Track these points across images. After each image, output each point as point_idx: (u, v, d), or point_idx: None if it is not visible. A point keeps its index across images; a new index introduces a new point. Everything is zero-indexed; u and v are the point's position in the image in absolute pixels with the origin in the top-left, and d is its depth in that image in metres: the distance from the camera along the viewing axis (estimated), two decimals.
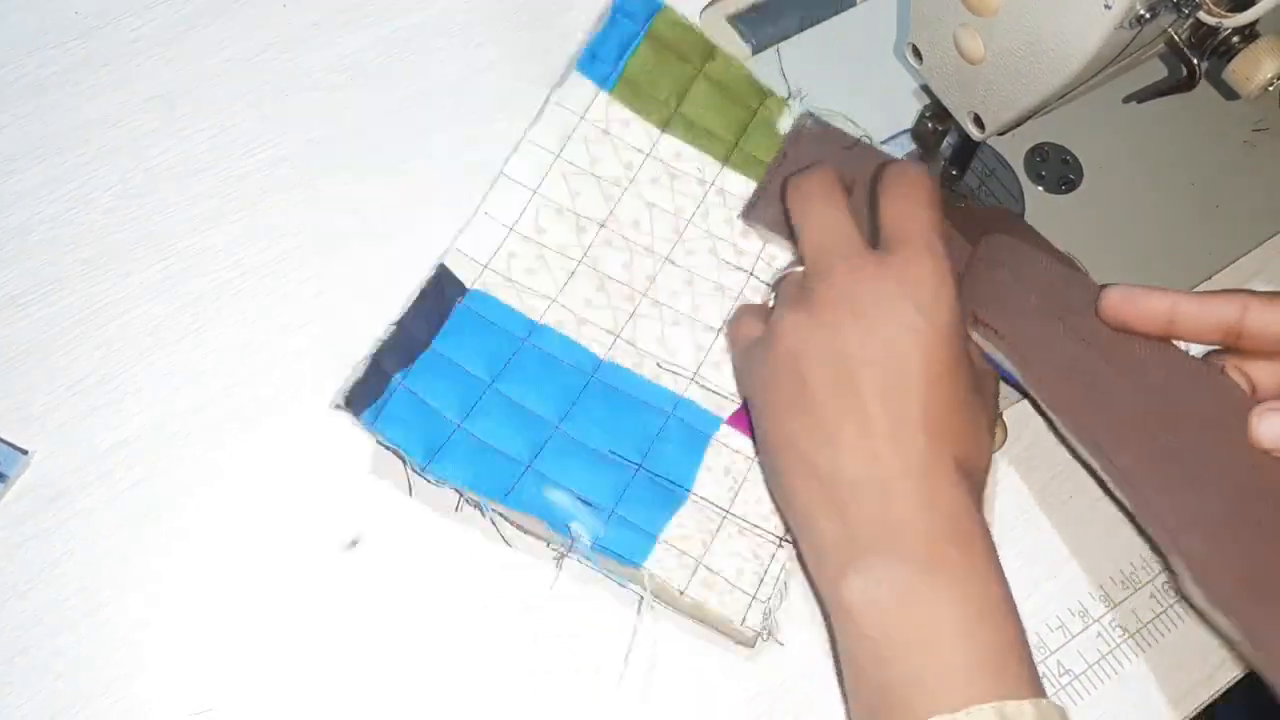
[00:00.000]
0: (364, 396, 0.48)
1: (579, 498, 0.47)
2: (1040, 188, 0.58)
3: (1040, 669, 0.47)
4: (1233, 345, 0.45)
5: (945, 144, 0.55)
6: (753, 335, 0.47)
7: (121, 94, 0.57)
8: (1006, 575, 0.42)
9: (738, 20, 0.61)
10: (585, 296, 0.51)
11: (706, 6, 0.61)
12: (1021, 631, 0.41)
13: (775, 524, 0.48)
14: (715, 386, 0.50)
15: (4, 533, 0.48)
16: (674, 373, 0.50)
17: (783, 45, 0.60)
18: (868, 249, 0.45)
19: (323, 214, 0.55)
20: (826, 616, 0.45)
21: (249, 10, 0.60)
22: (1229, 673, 0.48)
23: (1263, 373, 0.45)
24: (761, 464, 0.48)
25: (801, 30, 0.61)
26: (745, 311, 0.50)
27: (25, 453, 0.49)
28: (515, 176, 0.53)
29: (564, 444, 0.48)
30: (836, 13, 0.61)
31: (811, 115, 0.55)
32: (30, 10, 0.59)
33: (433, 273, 0.51)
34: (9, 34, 0.58)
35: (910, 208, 0.45)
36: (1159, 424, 0.44)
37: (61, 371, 0.51)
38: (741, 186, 0.54)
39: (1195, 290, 0.49)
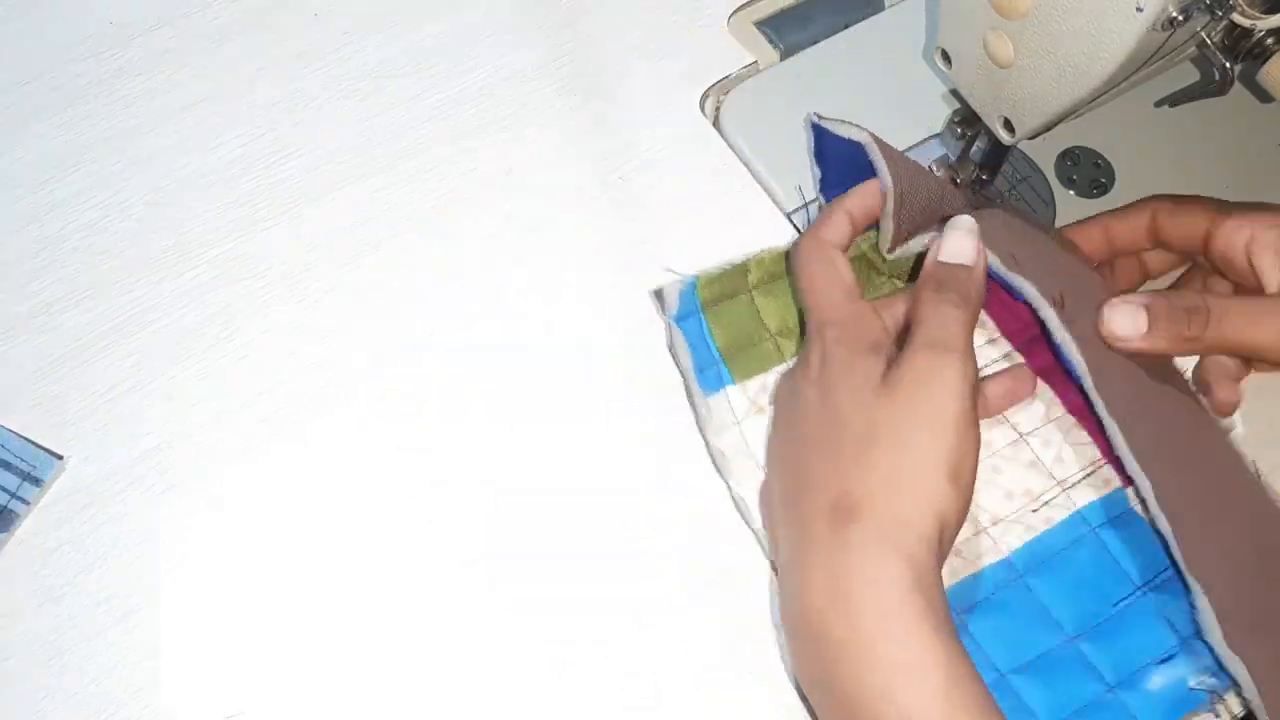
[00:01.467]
0: None
1: None
2: (1071, 192, 0.57)
3: None
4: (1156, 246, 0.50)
5: (975, 148, 0.55)
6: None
7: (155, 103, 0.58)
8: None
9: (765, 26, 0.61)
10: None
11: (734, 12, 0.61)
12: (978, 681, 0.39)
13: None
14: None
15: (39, 537, 0.49)
16: None
17: (811, 50, 0.60)
18: (871, 343, 0.44)
19: (353, 222, 0.55)
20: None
21: (281, 20, 0.60)
22: None
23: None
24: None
25: (830, 35, 0.60)
26: None
27: (60, 458, 0.50)
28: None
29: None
30: (865, 17, 0.61)
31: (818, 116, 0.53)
32: (66, 21, 0.60)
33: None
34: (45, 45, 0.59)
35: (939, 314, 0.44)
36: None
37: (95, 378, 0.52)
38: None
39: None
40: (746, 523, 0.49)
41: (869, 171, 0.49)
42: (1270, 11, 0.40)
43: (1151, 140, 0.58)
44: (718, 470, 0.50)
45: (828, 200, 0.55)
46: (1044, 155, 0.58)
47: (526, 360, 0.52)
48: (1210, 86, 0.45)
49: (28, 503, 0.49)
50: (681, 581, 0.49)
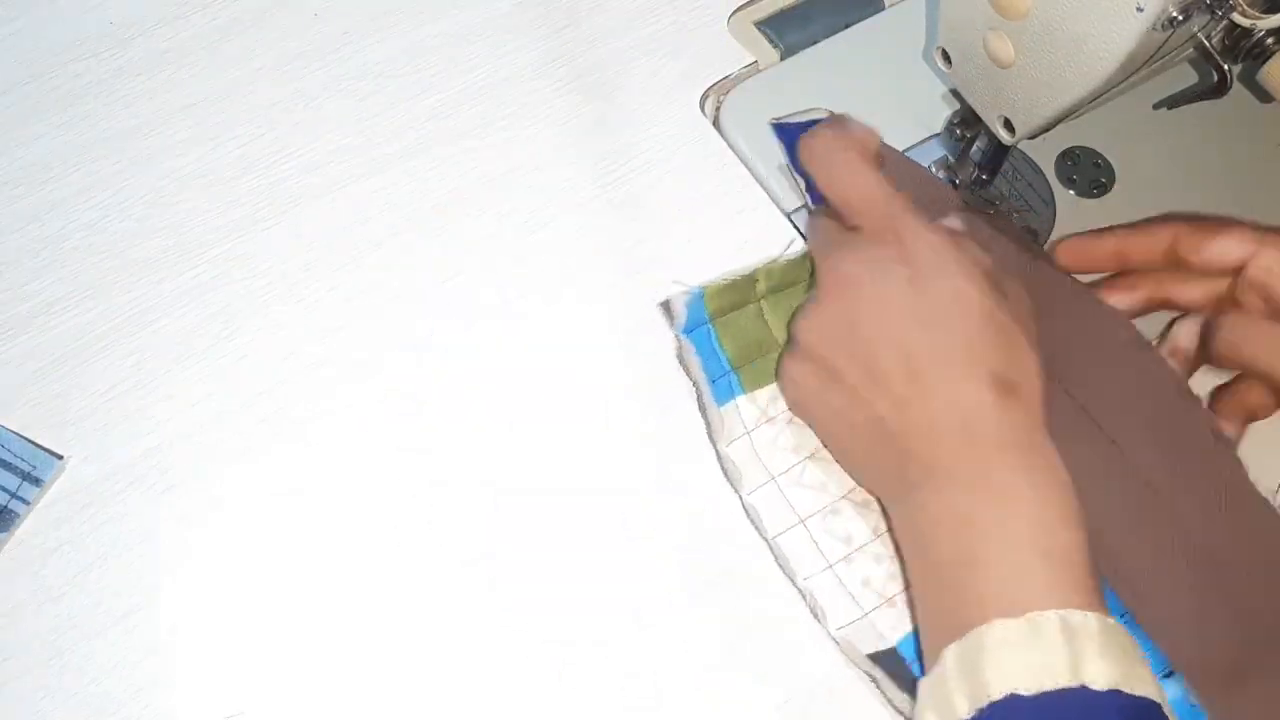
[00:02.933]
0: None
1: None
2: (1071, 192, 0.57)
3: None
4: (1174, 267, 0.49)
5: (975, 148, 0.55)
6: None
7: (155, 103, 0.58)
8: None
9: (765, 26, 0.61)
10: None
11: (734, 12, 0.61)
12: (1085, 541, 0.41)
13: None
14: None
15: (39, 537, 0.49)
16: None
17: (811, 50, 0.60)
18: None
19: (353, 222, 0.55)
20: (897, 548, 0.46)
21: (280, 20, 0.60)
22: None
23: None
24: (820, 432, 0.48)
25: (830, 35, 0.60)
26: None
27: (60, 458, 0.50)
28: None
29: None
30: (865, 17, 0.61)
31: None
32: (66, 21, 0.60)
33: None
34: (45, 44, 0.59)
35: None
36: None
37: (96, 378, 0.52)
38: None
39: None
40: (759, 531, 0.49)
41: None
42: (1270, 11, 0.40)
43: (1152, 140, 0.58)
44: (728, 479, 0.50)
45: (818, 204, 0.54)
46: (1044, 155, 0.58)
47: (526, 360, 0.52)
48: (1209, 88, 0.45)
49: (28, 503, 0.49)
50: (681, 581, 0.49)
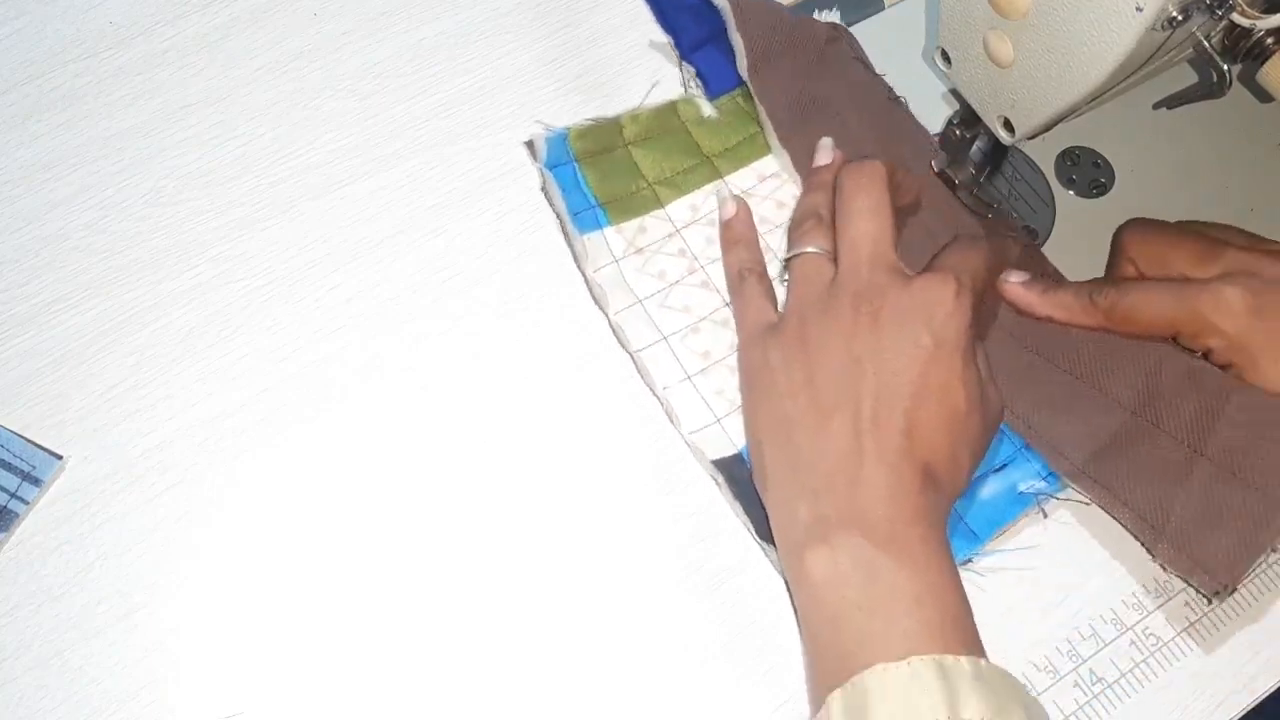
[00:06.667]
0: None
1: None
2: (1071, 192, 0.57)
3: (1072, 677, 0.46)
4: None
5: (975, 148, 0.55)
6: (765, 319, 0.50)
7: (154, 103, 0.58)
8: (1033, 580, 0.46)
9: None
10: None
11: None
12: (968, 609, 0.43)
13: None
14: None
15: (39, 537, 0.49)
16: None
17: None
18: (899, 265, 0.48)
19: (352, 221, 0.55)
20: (790, 593, 0.46)
21: (280, 20, 0.60)
22: (1269, 680, 0.48)
23: None
24: (747, 441, 0.50)
25: None
26: (757, 294, 0.51)
27: (60, 458, 0.50)
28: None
29: None
30: (865, 17, 0.61)
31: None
32: (66, 21, 0.60)
33: None
34: (45, 44, 0.59)
35: (963, 255, 0.49)
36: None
37: (95, 377, 0.52)
38: (748, 180, 0.56)
39: None
40: (623, 346, 0.52)
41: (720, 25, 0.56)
42: (1269, 11, 0.40)
43: (1151, 140, 0.58)
44: (595, 301, 0.53)
45: (691, 62, 0.59)
46: (1044, 155, 0.58)
47: (526, 358, 0.53)
48: (1208, 88, 0.45)
49: (27, 503, 0.49)
50: (679, 582, 0.49)
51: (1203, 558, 0.46)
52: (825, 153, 0.54)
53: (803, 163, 0.55)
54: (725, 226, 0.54)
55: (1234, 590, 0.44)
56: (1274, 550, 0.46)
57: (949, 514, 0.46)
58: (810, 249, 0.49)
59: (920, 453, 0.44)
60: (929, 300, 0.46)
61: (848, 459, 0.44)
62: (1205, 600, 0.48)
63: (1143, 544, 0.48)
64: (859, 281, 0.47)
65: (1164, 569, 0.48)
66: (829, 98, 0.57)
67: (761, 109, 0.56)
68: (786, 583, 0.47)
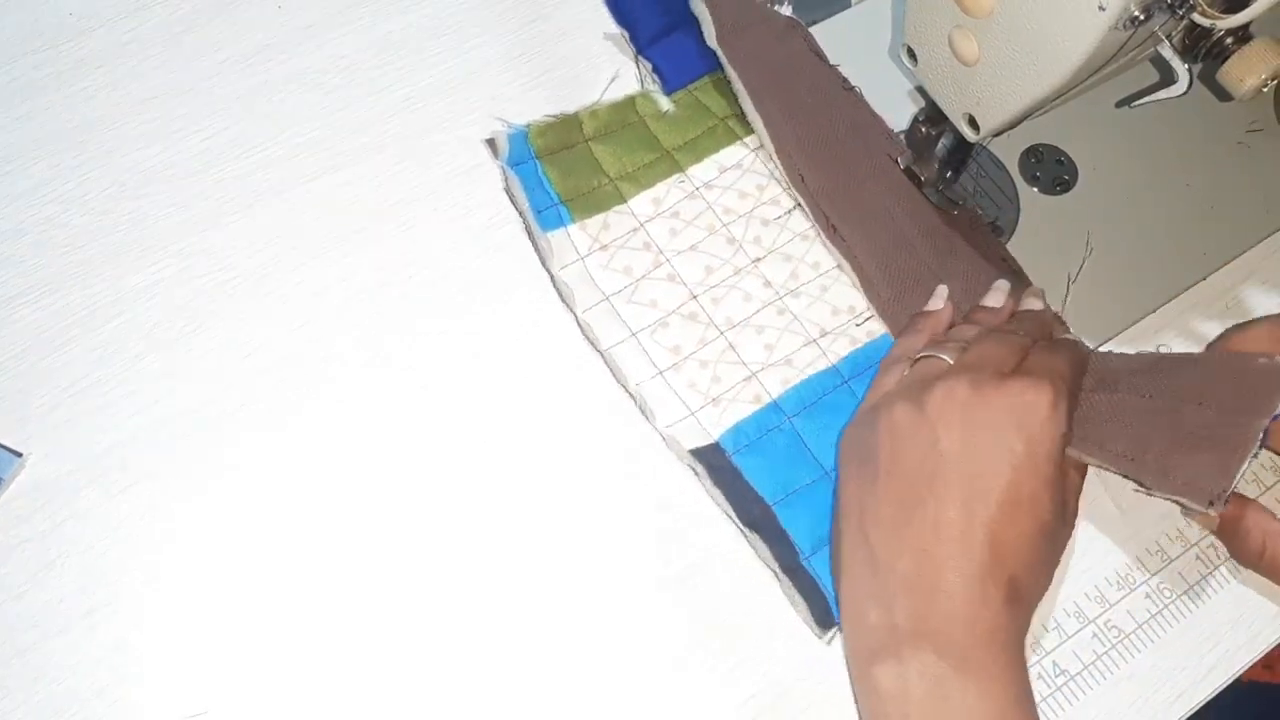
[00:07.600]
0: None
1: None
2: (1035, 189, 0.58)
3: (1036, 669, 0.47)
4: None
5: (940, 145, 0.55)
6: (880, 392, 0.48)
7: (116, 96, 0.57)
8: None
9: None
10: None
11: None
12: None
13: None
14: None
15: None
16: None
17: None
18: (1000, 373, 0.45)
19: (317, 216, 0.55)
20: (855, 695, 0.45)
21: (244, 12, 0.60)
22: (1226, 671, 0.49)
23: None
24: (834, 524, 0.48)
25: None
26: (894, 377, 0.49)
27: (20, 455, 0.49)
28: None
29: None
30: (831, 15, 0.61)
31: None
32: (25, 12, 0.59)
33: None
34: (4, 36, 0.58)
35: (1054, 357, 0.47)
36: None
37: (56, 373, 0.51)
38: (709, 172, 0.56)
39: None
40: (592, 345, 0.52)
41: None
42: (1229, 11, 0.41)
43: (1114, 138, 0.59)
44: (561, 299, 0.53)
45: (648, 57, 0.58)
46: (1008, 153, 0.58)
47: (492, 354, 0.52)
48: (1170, 86, 0.46)
49: None
50: (649, 576, 0.49)
51: (1190, 474, 0.44)
52: (939, 299, 0.53)
53: (776, 122, 0.55)
54: (926, 315, 0.52)
55: (1228, 500, 0.42)
56: (1255, 457, 0.45)
57: (1027, 629, 0.43)
58: (943, 355, 0.48)
59: (1004, 567, 0.42)
60: (1023, 404, 0.43)
61: (923, 572, 0.42)
62: (1198, 511, 0.47)
63: (1126, 476, 0.46)
64: (957, 380, 0.45)
65: (1150, 492, 0.46)
66: (798, 69, 0.58)
67: (733, 73, 0.56)
68: (851, 681, 0.46)
